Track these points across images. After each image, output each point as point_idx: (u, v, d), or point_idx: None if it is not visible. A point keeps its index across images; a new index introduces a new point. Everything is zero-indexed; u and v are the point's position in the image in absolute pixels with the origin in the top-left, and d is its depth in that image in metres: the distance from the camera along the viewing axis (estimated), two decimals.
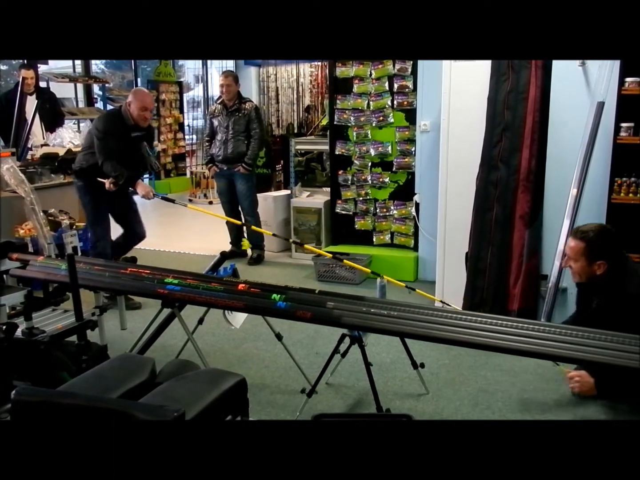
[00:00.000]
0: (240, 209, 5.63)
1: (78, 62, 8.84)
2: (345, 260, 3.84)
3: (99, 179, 4.20)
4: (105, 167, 4.18)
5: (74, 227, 4.80)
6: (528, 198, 3.83)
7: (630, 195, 3.46)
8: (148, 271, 2.91)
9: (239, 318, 3.13)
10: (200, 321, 3.23)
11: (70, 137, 6.14)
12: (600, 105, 3.50)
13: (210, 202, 8.78)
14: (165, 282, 2.78)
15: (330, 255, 3.72)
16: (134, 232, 4.61)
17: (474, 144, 3.94)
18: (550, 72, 3.71)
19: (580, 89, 3.63)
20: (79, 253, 4.13)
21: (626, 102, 3.40)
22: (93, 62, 9.22)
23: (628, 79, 3.38)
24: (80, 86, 8.80)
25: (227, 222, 5.74)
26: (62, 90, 8.22)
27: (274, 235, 4.92)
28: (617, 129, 3.43)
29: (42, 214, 4.00)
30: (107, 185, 4.15)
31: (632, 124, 3.42)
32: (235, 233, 5.77)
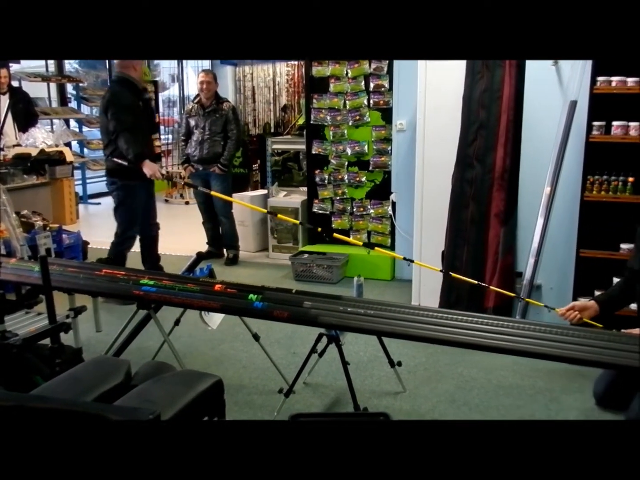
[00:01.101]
0: (215, 209, 5.59)
1: (51, 61, 8.71)
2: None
3: (140, 167, 4.19)
4: (119, 141, 4.18)
5: (48, 228, 4.74)
6: (503, 196, 3.87)
7: (603, 192, 3.51)
8: (123, 272, 2.88)
9: (215, 319, 3.11)
10: (177, 322, 3.21)
11: (43, 137, 6.07)
12: (573, 104, 3.55)
13: (187, 203, 8.73)
14: (140, 283, 2.75)
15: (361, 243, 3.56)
16: (153, 222, 4.65)
17: (450, 143, 3.97)
18: (524, 72, 3.75)
19: (553, 88, 3.67)
20: (53, 255, 4.07)
21: (598, 101, 3.45)
22: (67, 61, 9.09)
23: (599, 78, 3.43)
24: (53, 85, 8.67)
25: (204, 223, 5.71)
26: (35, 90, 8.08)
27: (300, 224, 4.73)
28: (589, 128, 3.48)
29: (14, 215, 3.94)
30: (149, 173, 4.17)
31: (603, 123, 3.46)
32: (212, 234, 5.73)
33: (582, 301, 2.86)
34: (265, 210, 4.30)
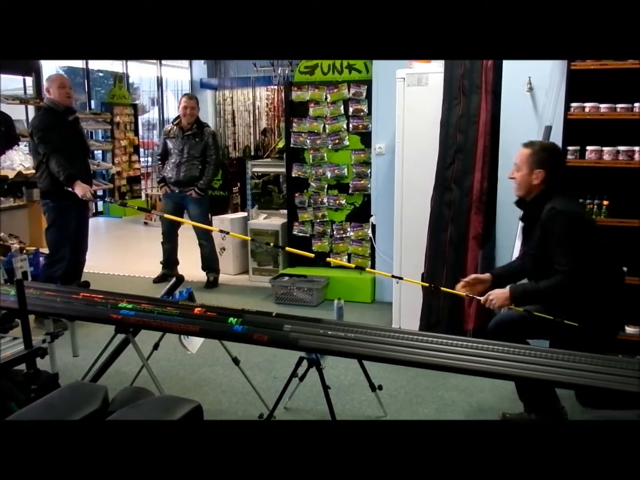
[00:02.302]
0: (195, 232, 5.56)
1: (29, 83, 8.67)
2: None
3: (68, 189, 4.15)
4: (50, 163, 4.18)
5: (24, 251, 4.68)
6: (481, 219, 3.91)
7: None
8: (101, 296, 2.85)
9: (195, 342, 3.08)
10: (156, 346, 3.17)
11: (20, 159, 6.03)
12: (548, 129, 3.62)
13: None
14: (119, 306, 2.72)
15: (387, 275, 3.60)
16: (82, 248, 4.58)
17: (428, 167, 4.01)
18: (500, 97, 3.82)
19: (528, 114, 3.75)
20: (29, 278, 4.02)
21: (572, 127, 3.51)
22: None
23: (573, 104, 3.50)
24: (31, 108, 8.62)
25: (163, 243, 5.72)
26: (13, 112, 8.02)
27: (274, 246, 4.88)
28: (564, 152, 3.54)
29: None
30: (80, 193, 4.12)
31: (577, 148, 3.53)
32: (169, 255, 5.72)
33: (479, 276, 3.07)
34: (216, 229, 4.30)
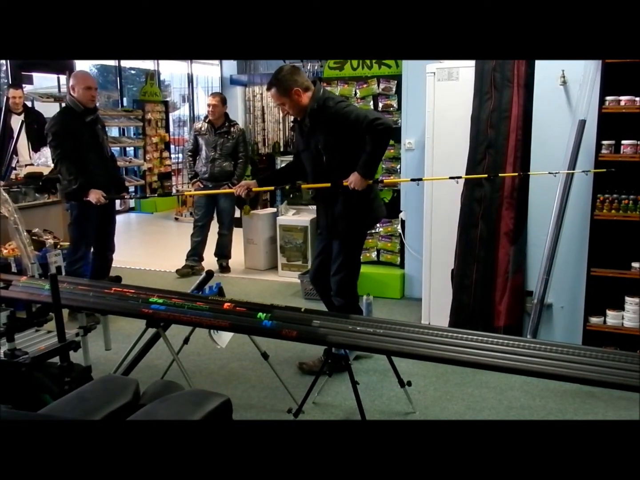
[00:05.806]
0: (218, 222, 5.92)
1: (63, 81, 8.82)
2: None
3: (85, 199, 4.17)
4: (61, 170, 4.20)
5: (58, 246, 4.76)
6: (512, 215, 3.86)
7: (613, 211, 3.49)
8: (133, 290, 2.89)
9: (224, 337, 3.11)
10: (186, 341, 3.20)
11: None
12: (582, 124, 3.54)
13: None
14: (150, 301, 2.75)
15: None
16: (110, 247, 4.61)
17: (459, 162, 3.97)
18: (532, 91, 3.75)
19: (562, 108, 3.67)
20: (63, 273, 4.08)
21: (607, 121, 3.44)
22: None
23: (608, 98, 3.43)
24: None
25: (193, 234, 5.89)
26: (47, 110, 8.17)
27: None
28: (599, 147, 3.47)
29: (25, 233, 3.96)
30: (94, 200, 4.14)
31: (612, 142, 3.45)
32: (197, 247, 5.87)
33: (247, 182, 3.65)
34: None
